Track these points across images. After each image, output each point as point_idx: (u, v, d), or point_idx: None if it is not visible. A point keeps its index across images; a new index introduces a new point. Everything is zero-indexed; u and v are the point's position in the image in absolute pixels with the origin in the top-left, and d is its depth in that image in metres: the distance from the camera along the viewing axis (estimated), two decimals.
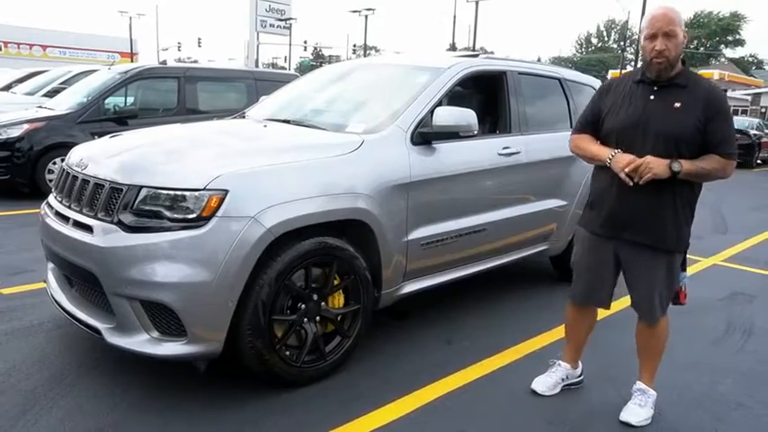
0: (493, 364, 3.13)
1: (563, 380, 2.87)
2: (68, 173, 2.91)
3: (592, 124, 2.59)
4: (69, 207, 2.76)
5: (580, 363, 2.94)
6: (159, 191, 2.46)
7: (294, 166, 2.73)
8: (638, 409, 2.64)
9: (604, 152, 2.45)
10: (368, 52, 48.20)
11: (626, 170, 2.31)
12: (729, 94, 42.56)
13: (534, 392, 2.82)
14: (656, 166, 2.27)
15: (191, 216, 2.42)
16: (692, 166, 2.30)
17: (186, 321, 2.42)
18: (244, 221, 2.44)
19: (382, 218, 2.92)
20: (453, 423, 2.57)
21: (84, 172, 2.76)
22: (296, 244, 2.62)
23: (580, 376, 2.93)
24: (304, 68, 49.96)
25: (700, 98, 2.34)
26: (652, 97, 2.40)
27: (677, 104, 2.34)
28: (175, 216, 2.43)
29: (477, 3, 33.59)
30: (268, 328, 2.57)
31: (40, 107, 7.87)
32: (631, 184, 2.32)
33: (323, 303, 2.80)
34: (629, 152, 2.37)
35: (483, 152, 3.58)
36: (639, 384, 2.71)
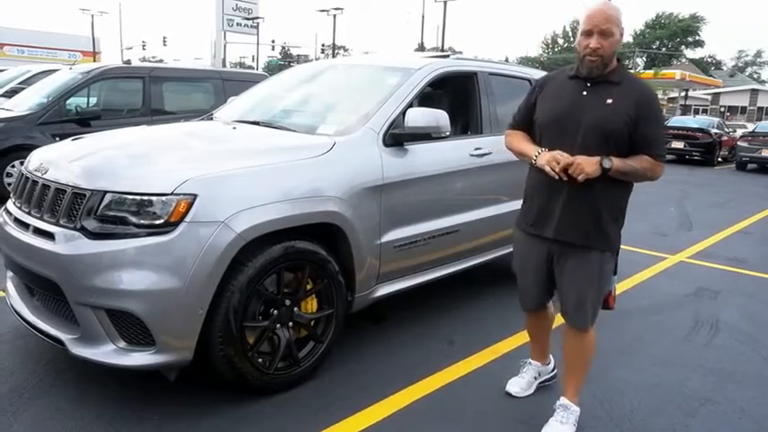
0: (469, 365, 3.13)
1: (536, 378, 2.88)
2: (28, 178, 2.80)
3: (525, 119, 2.55)
4: (29, 213, 2.65)
5: (551, 357, 2.94)
6: (124, 196, 2.38)
7: (264, 170, 2.67)
8: (559, 426, 2.52)
9: (531, 150, 2.42)
10: (336, 52, 48.08)
11: (557, 169, 2.25)
12: (690, 93, 43.81)
13: (509, 394, 2.82)
14: (587, 166, 2.22)
15: (158, 222, 2.34)
16: (622, 164, 2.26)
17: (154, 330, 2.34)
18: (213, 226, 2.38)
19: (355, 220, 2.89)
20: (429, 427, 2.56)
21: (44, 177, 2.66)
22: (267, 249, 2.56)
23: (553, 371, 2.93)
24: (272, 68, 49.48)
25: (632, 96, 2.29)
26: (585, 93, 2.35)
27: (609, 101, 2.30)
28: (142, 222, 2.35)
29: (445, 3, 33.78)
30: (240, 335, 2.52)
31: None
32: (558, 178, 2.27)
33: (295, 308, 2.75)
34: (559, 145, 2.33)
35: (455, 153, 3.58)
36: (562, 400, 2.58)
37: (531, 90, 2.58)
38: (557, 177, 2.27)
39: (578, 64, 2.38)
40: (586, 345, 2.54)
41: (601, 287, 2.45)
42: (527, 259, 2.59)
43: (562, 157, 2.26)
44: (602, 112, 2.30)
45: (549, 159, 2.28)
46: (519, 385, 2.84)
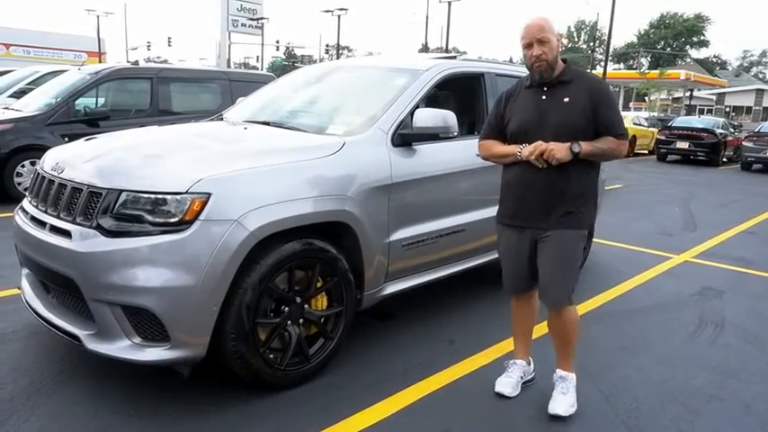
0: (475, 362, 3.17)
1: (521, 377, 2.92)
2: (44, 177, 2.85)
3: (497, 130, 2.77)
4: (46, 212, 2.71)
5: (531, 360, 3.00)
6: (140, 195, 2.43)
7: (276, 169, 2.72)
8: (562, 397, 2.69)
9: (512, 149, 2.66)
10: (340, 52, 48.10)
11: (534, 155, 2.51)
12: (695, 93, 43.70)
13: (501, 395, 2.83)
14: (557, 151, 2.48)
15: (172, 220, 2.39)
16: (590, 147, 2.51)
17: (169, 326, 2.39)
18: (227, 225, 2.43)
19: (364, 219, 2.93)
20: (437, 423, 2.59)
21: (60, 176, 2.71)
22: (279, 247, 2.61)
23: (533, 372, 2.99)
24: (276, 68, 49.64)
25: (585, 90, 2.57)
26: (544, 97, 2.61)
27: (566, 99, 2.57)
28: (157, 220, 2.40)
29: (449, 3, 33.78)
30: (252, 332, 2.56)
31: (6, 108, 7.67)
32: (542, 166, 2.53)
33: (306, 305, 2.80)
34: None
35: (462, 153, 3.61)
36: (559, 372, 2.76)
37: (497, 102, 2.81)
38: (539, 165, 2.53)
39: (530, 74, 2.65)
40: (566, 319, 2.70)
41: (575, 266, 2.67)
42: (510, 250, 2.78)
43: (541, 145, 2.52)
44: (562, 110, 2.56)
45: (531, 150, 2.53)
46: (510, 386, 2.87)
